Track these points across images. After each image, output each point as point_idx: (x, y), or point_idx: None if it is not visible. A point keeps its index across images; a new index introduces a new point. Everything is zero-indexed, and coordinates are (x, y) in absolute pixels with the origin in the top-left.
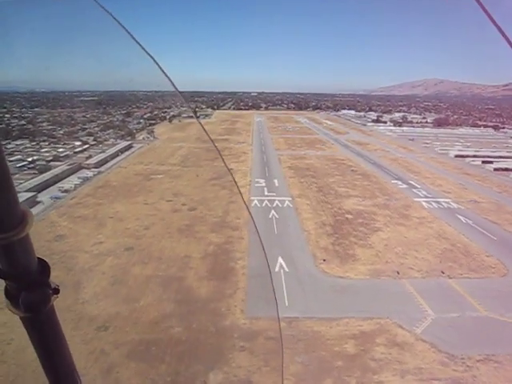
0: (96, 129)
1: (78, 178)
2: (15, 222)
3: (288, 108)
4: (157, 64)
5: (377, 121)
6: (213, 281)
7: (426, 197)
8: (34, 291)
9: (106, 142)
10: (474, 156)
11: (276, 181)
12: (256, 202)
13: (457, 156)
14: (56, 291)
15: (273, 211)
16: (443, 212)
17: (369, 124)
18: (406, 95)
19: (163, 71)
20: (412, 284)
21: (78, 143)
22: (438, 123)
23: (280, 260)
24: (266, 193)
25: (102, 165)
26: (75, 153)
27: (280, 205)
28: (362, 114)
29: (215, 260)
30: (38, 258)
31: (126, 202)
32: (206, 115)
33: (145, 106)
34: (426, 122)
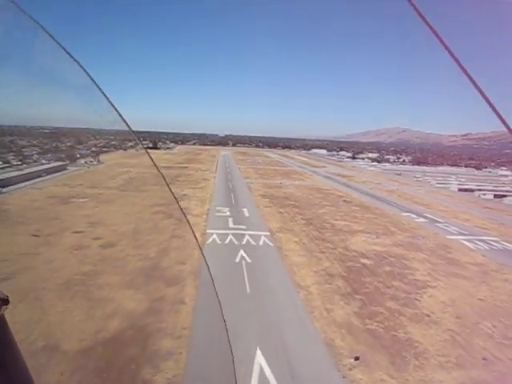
0: (33, 152)
1: None
2: None
3: (256, 146)
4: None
5: (353, 158)
6: None
7: (462, 234)
8: None
9: (34, 164)
10: (480, 190)
11: (246, 210)
12: (215, 236)
13: (461, 190)
14: (5, 302)
15: (242, 252)
16: (505, 256)
17: (346, 160)
18: (371, 142)
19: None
20: None
21: None
22: (417, 161)
23: (259, 359)
24: (231, 225)
25: (10, 185)
26: None
27: (254, 242)
28: (334, 152)
29: (112, 359)
30: None
31: (4, 233)
32: (168, 148)
33: (102, 138)
34: (403, 161)
